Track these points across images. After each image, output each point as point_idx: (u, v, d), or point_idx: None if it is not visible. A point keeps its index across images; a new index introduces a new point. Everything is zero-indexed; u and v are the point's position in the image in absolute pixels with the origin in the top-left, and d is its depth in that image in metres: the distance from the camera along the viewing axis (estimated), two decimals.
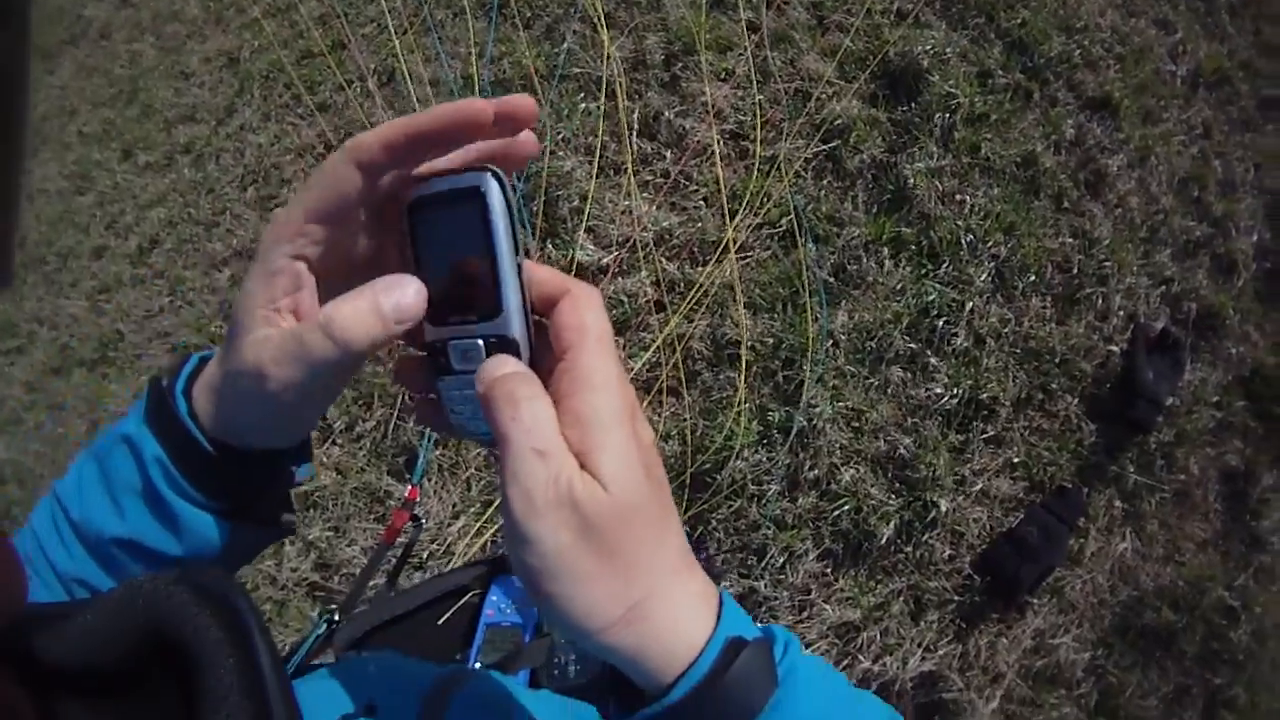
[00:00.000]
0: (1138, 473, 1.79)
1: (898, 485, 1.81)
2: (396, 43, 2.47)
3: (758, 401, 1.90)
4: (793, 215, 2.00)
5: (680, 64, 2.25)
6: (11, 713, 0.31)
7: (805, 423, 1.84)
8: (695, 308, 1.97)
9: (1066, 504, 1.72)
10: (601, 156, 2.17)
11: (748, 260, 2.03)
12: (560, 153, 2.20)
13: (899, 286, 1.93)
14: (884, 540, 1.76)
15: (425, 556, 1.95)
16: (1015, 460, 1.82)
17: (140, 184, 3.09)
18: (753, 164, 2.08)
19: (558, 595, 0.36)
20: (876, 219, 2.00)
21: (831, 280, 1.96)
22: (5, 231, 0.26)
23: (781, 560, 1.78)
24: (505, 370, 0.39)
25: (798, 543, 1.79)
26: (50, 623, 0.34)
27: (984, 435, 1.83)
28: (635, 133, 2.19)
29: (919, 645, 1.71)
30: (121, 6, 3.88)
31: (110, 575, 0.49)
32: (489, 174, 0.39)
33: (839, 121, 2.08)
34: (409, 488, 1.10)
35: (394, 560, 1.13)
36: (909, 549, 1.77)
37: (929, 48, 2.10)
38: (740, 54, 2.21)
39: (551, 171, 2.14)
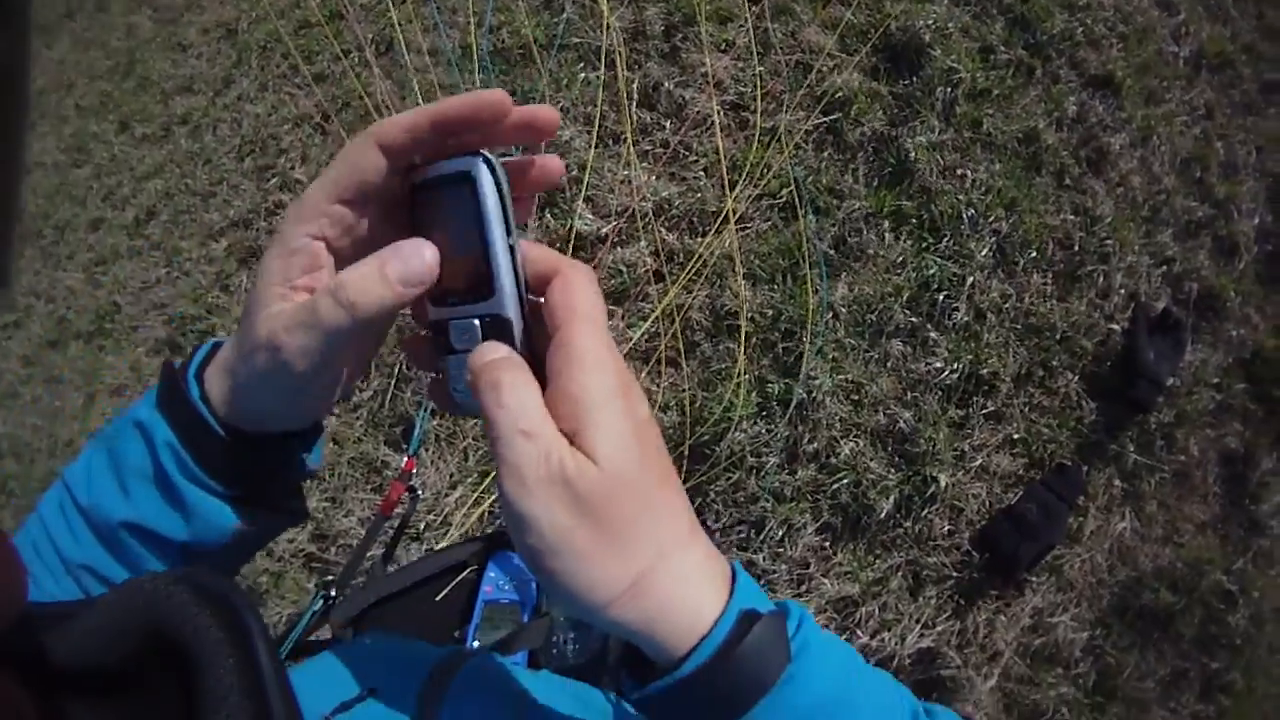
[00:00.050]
0: (1137, 452, 1.71)
1: (897, 459, 1.71)
2: (394, 12, 2.35)
3: (757, 373, 1.81)
4: (793, 187, 1.89)
5: (680, 35, 2.14)
6: (15, 714, 0.30)
7: (805, 395, 1.74)
8: (694, 278, 1.87)
9: (1066, 482, 1.64)
10: (601, 126, 2.06)
11: (747, 231, 1.92)
12: (559, 122, 2.08)
13: (899, 260, 1.83)
14: (883, 515, 1.67)
15: (422, 528, 1.87)
16: (1015, 436, 1.73)
17: (137, 156, 2.96)
18: (753, 135, 1.98)
19: (560, 572, 0.35)
20: (877, 192, 1.90)
21: (831, 252, 1.87)
22: (4, 232, 0.25)
23: (780, 533, 1.69)
24: (491, 356, 0.38)
25: (796, 516, 1.70)
26: (52, 623, 0.34)
27: (984, 411, 1.74)
28: (635, 103, 2.08)
29: (917, 621, 1.62)
30: None
31: (118, 561, 0.47)
32: (480, 158, 0.38)
33: (840, 94, 1.98)
34: (405, 459, 1.06)
35: (391, 532, 1.09)
36: (908, 524, 1.68)
37: (931, 22, 2.00)
38: (741, 25, 2.10)
39: (550, 141, 2.02)
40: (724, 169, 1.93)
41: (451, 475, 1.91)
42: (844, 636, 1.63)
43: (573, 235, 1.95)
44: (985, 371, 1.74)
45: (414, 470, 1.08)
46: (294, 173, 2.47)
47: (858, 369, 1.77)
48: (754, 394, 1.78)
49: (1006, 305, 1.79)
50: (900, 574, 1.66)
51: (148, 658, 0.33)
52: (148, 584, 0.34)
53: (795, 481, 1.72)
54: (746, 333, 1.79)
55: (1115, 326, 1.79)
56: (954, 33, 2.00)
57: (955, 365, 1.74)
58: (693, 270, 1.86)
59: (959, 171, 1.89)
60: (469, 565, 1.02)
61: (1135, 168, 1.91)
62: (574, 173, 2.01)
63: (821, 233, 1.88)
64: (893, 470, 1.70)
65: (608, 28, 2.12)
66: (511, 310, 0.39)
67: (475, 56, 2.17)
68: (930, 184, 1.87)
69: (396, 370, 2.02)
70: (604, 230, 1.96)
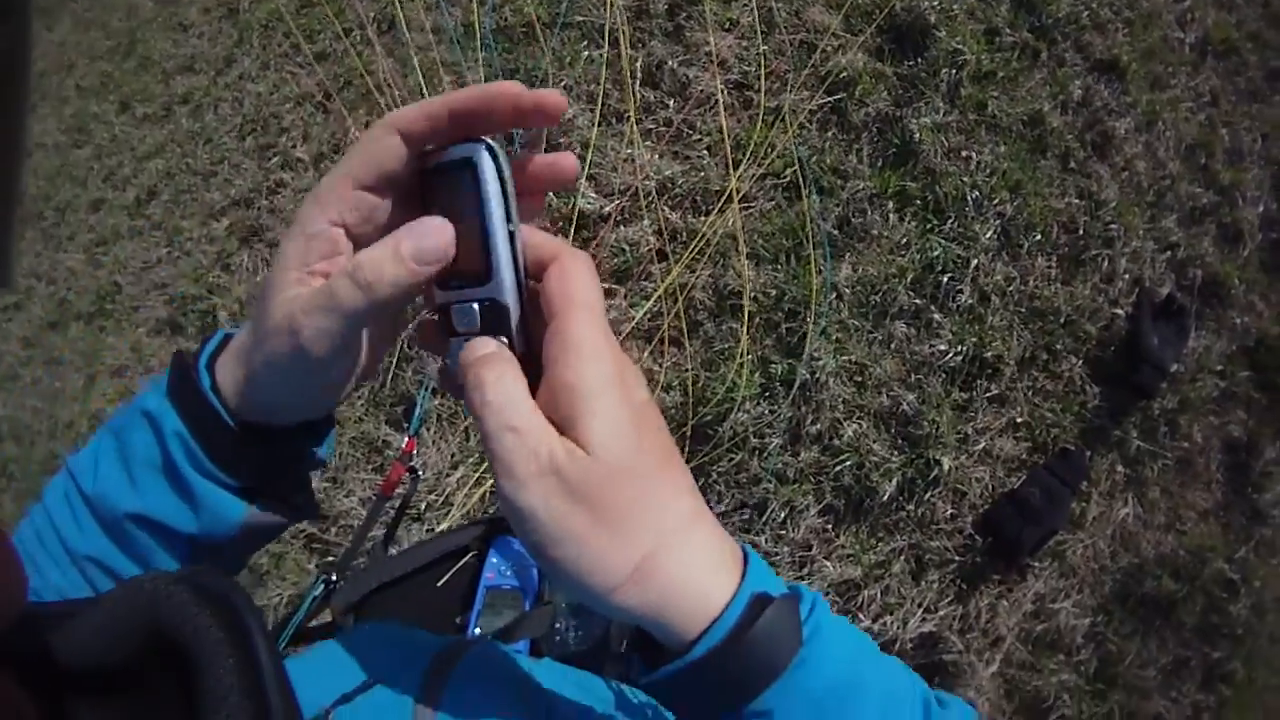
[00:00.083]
0: (1140, 438, 1.66)
1: (900, 442, 1.65)
2: None
3: (760, 353, 1.74)
4: (797, 166, 1.82)
5: (684, 13, 2.06)
6: (15, 714, 0.29)
7: (808, 376, 1.68)
8: (697, 257, 1.80)
9: (1069, 466, 1.58)
10: (604, 104, 1.99)
11: (751, 211, 1.85)
12: (566, 108, 2.01)
13: (904, 241, 1.77)
14: (886, 497, 1.61)
15: (423, 508, 1.81)
16: (1018, 420, 1.67)
17: (138, 136, 2.88)
18: (757, 114, 1.90)
19: (562, 560, 0.35)
20: (881, 172, 1.83)
21: (835, 232, 1.80)
22: (4, 231, 0.24)
23: (783, 515, 1.63)
24: (479, 353, 0.37)
25: (799, 498, 1.64)
26: (52, 623, 0.33)
27: (988, 394, 1.68)
28: (638, 81, 2.00)
29: (919, 605, 1.57)
30: None
31: (124, 553, 0.46)
32: (483, 145, 0.38)
33: (844, 74, 1.90)
34: (406, 439, 1.02)
35: (392, 512, 1.06)
36: (910, 507, 1.62)
37: (936, 3, 1.93)
38: (745, 4, 2.02)
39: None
40: (728, 148, 1.86)
41: (453, 455, 1.85)
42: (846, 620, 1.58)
43: (575, 213, 1.88)
44: (989, 354, 1.68)
45: (415, 451, 1.04)
46: (295, 151, 2.39)
47: (861, 350, 1.71)
48: (757, 374, 1.72)
49: (1011, 288, 1.73)
50: (903, 557, 1.60)
51: (148, 658, 0.32)
52: (148, 584, 0.33)
53: (798, 463, 1.66)
54: (750, 313, 1.73)
55: (1119, 311, 1.73)
56: (959, 14, 1.93)
57: (959, 348, 1.68)
58: (696, 249, 1.79)
59: (964, 153, 1.82)
60: (470, 550, 0.99)
61: (1140, 152, 1.85)
62: (577, 151, 1.94)
63: (825, 213, 1.81)
64: (896, 453, 1.64)
65: (611, 5, 2.05)
66: (508, 295, 0.39)
67: (478, 34, 2.09)
68: (935, 165, 1.81)
69: (398, 350, 1.95)
70: (607, 209, 1.89)
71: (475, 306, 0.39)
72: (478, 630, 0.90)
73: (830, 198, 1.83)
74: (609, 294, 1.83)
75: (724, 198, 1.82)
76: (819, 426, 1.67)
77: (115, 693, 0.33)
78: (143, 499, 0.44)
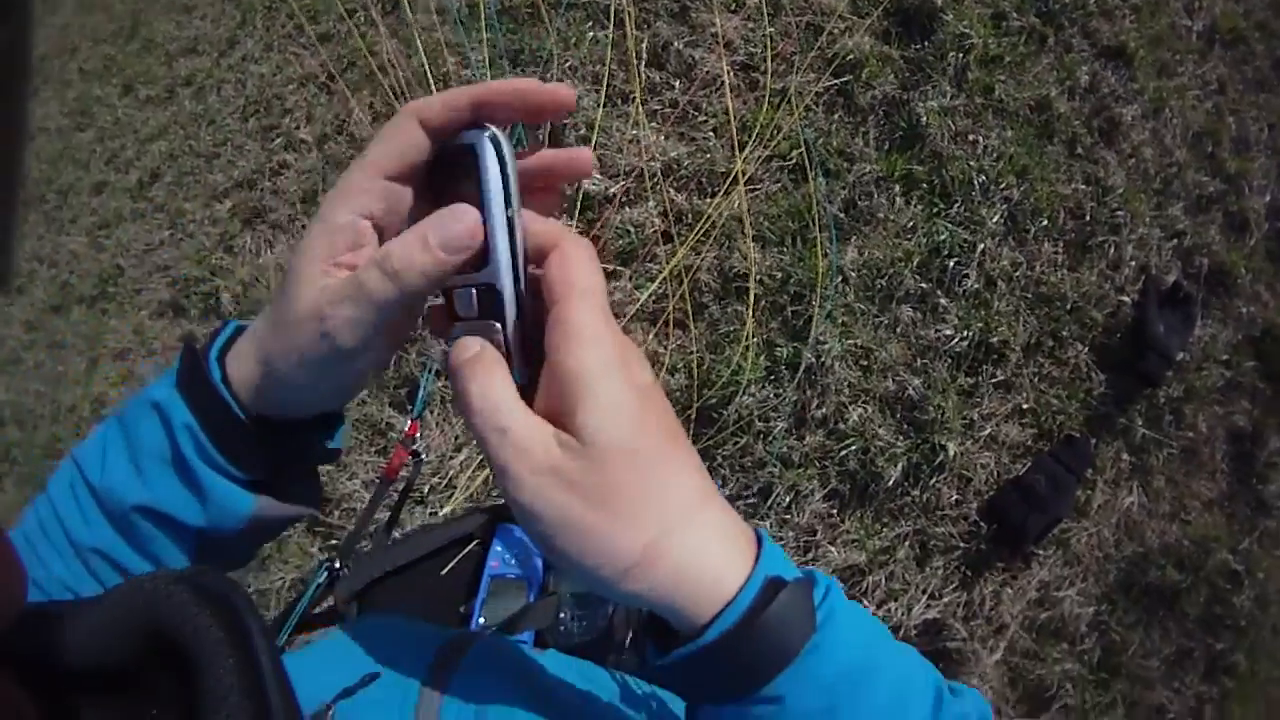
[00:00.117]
0: (1146, 426, 1.61)
1: (906, 426, 1.60)
2: None
3: (765, 336, 1.68)
4: (803, 149, 1.76)
5: None
6: (15, 714, 0.28)
7: (813, 359, 1.62)
8: (703, 239, 1.74)
9: (1075, 454, 1.53)
10: (609, 85, 1.92)
11: (756, 193, 1.79)
12: (567, 81, 1.95)
13: (910, 225, 1.71)
14: (891, 482, 1.55)
15: (426, 490, 1.76)
16: (1024, 406, 1.62)
17: (141, 118, 2.81)
18: (763, 96, 1.84)
19: (569, 550, 0.34)
20: (888, 156, 1.77)
21: (841, 215, 1.74)
22: (5, 231, 0.22)
23: (787, 500, 1.58)
24: (463, 356, 0.37)
25: (804, 482, 1.58)
26: (52, 622, 0.32)
27: (993, 380, 1.62)
28: (644, 62, 1.93)
29: (924, 592, 1.52)
30: None
31: (130, 545, 0.44)
32: (485, 133, 0.38)
33: (851, 57, 1.84)
34: (409, 422, 0.98)
35: (395, 496, 1.03)
36: (916, 492, 1.56)
37: None
38: None
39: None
40: (733, 130, 1.80)
41: (456, 438, 1.79)
42: None
43: (580, 195, 1.81)
44: (995, 340, 1.63)
45: (418, 434, 1.00)
46: (299, 133, 2.32)
47: (867, 334, 1.65)
48: (762, 358, 1.66)
49: (1017, 273, 1.68)
50: (908, 543, 1.55)
51: (148, 658, 0.32)
52: (148, 584, 0.33)
53: (803, 447, 1.61)
54: (755, 296, 1.67)
55: (1125, 298, 1.68)
56: None
57: (965, 333, 1.63)
58: (701, 231, 1.73)
59: (970, 137, 1.76)
60: (474, 538, 0.96)
61: (1147, 139, 1.80)
62: (582, 132, 1.87)
63: (831, 195, 1.75)
64: (901, 437, 1.59)
65: None
66: (504, 281, 0.38)
67: (482, 15, 2.02)
68: (941, 149, 1.75)
69: None
70: (612, 190, 1.82)
71: (473, 291, 0.39)
72: (482, 619, 0.88)
73: (836, 181, 1.77)
74: (613, 276, 1.77)
75: (729, 180, 1.76)
76: (824, 410, 1.61)
77: (115, 692, 0.32)
78: (150, 491, 0.43)
